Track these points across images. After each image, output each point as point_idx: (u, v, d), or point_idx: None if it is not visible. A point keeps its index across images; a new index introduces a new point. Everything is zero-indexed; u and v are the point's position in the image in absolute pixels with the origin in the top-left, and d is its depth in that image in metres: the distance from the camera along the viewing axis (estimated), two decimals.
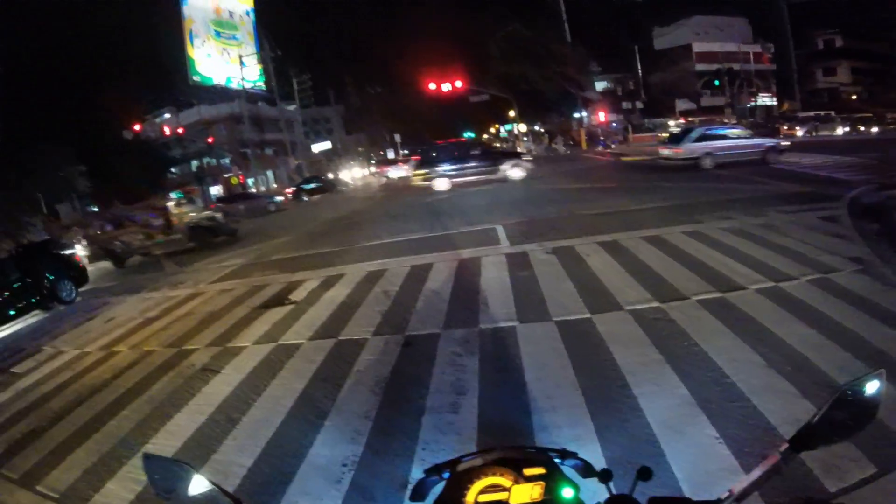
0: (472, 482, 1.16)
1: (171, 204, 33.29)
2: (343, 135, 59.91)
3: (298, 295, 8.42)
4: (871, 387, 1.02)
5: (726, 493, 1.00)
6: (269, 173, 51.11)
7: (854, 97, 48.48)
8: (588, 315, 5.76)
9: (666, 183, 15.74)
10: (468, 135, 54.74)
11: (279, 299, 8.38)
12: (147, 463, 1.08)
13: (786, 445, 1.01)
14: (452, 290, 7.37)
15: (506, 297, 6.73)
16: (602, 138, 42.71)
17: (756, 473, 1.00)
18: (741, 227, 8.73)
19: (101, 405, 5.70)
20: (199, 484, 1.04)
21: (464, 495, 1.14)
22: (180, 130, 42.02)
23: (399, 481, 3.43)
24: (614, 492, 1.09)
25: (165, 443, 4.53)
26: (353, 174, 49.10)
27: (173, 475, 1.06)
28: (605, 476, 1.13)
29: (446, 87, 31.41)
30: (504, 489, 1.13)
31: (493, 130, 58.77)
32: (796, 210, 9.82)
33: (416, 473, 3.43)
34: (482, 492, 1.15)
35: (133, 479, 4.08)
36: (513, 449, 1.29)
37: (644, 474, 1.08)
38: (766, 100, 50.60)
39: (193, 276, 12.61)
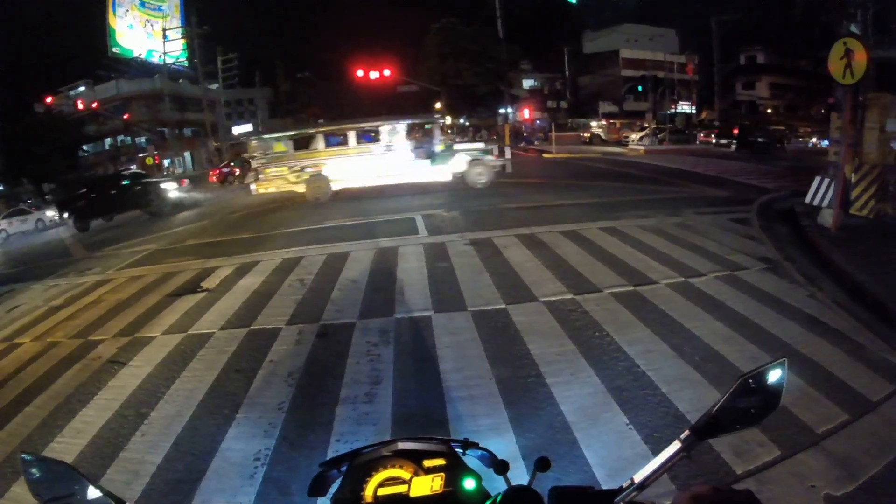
0: (370, 475, 1.14)
1: None
2: (267, 118, 57.89)
3: (211, 283, 8.09)
4: (774, 375, 1.03)
5: (628, 482, 0.99)
6: (188, 155, 48.69)
7: (769, 111, 51.75)
8: (504, 306, 5.84)
9: (589, 181, 16.21)
10: None
11: (191, 287, 8.02)
12: (25, 464, 0.98)
13: (688, 433, 1.00)
14: (369, 280, 7.29)
15: (423, 287, 6.74)
16: (526, 135, 43.56)
17: (658, 461, 0.99)
18: (657, 225, 9.13)
19: (3, 401, 5.28)
20: (82, 488, 0.96)
21: (363, 489, 1.12)
22: (95, 105, 39.02)
23: (315, 474, 3.28)
24: (512, 483, 1.06)
25: (72, 441, 4.24)
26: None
27: (56, 477, 0.97)
28: (501, 467, 1.11)
29: (375, 74, 30.84)
30: (404, 482, 1.11)
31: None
32: (711, 212, 10.37)
33: None
34: (381, 485, 1.12)
35: None
36: (412, 440, 1.26)
37: (542, 465, 1.07)
38: (685, 108, 53.12)
39: (103, 261, 11.85)
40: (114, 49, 45.63)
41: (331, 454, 3.49)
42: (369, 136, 15.84)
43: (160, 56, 44.44)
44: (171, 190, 21.94)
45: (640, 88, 46.11)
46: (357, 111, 46.95)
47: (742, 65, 54.64)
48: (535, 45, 52.04)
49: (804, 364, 4.32)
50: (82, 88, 45.73)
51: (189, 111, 47.37)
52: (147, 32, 47.29)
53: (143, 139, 45.18)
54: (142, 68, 47.09)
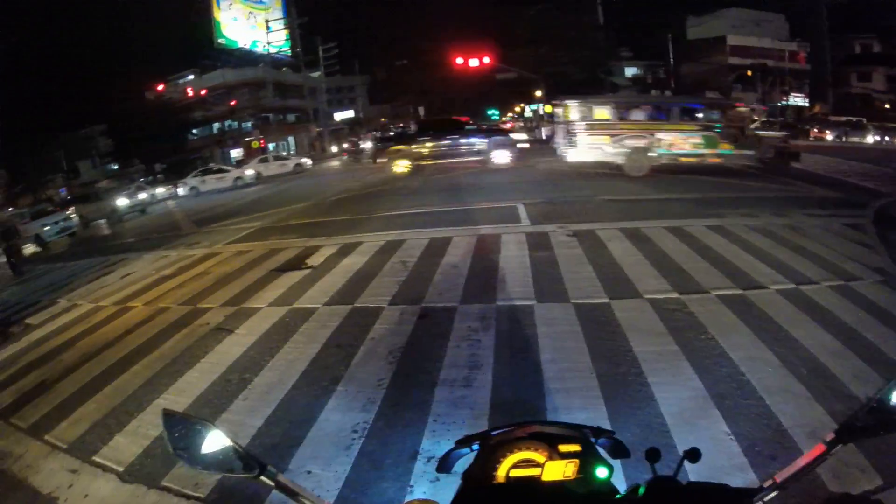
0: (504, 456, 1.14)
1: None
2: (367, 104, 59.53)
3: (315, 260, 8.44)
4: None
5: (769, 482, 0.98)
6: (290, 139, 51.01)
7: (887, 105, 47.12)
8: (606, 300, 5.70)
9: (691, 175, 15.51)
10: (492, 113, 54.34)
11: (295, 264, 8.41)
12: (166, 419, 1.05)
13: (832, 436, 0.97)
14: (471, 265, 7.32)
15: (524, 276, 6.67)
16: None
17: (801, 462, 0.97)
18: (765, 225, 8.58)
19: (113, 360, 5.78)
20: (217, 440, 1.01)
21: (495, 468, 1.12)
22: (203, 92, 41.96)
23: (409, 452, 3.42)
24: (657, 472, 1.07)
25: (175, 400, 4.58)
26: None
27: (192, 432, 1.03)
28: (652, 455, 1.13)
29: (474, 62, 30.81)
30: (537, 464, 1.11)
31: (517, 110, 58.11)
32: (822, 214, 9.64)
33: (427, 445, 3.45)
34: (514, 466, 1.13)
35: (142, 434, 4.14)
36: (548, 424, 1.27)
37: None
38: (797, 100, 49.39)
39: (209, 236, 12.70)
40: (219, 40, 48.21)
41: (427, 434, 3.57)
42: (689, 114, 15.36)
43: (264, 46, 46.70)
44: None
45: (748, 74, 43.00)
46: (454, 98, 47.20)
47: (856, 54, 49.82)
48: (636, 31, 50.07)
49: None
50: (190, 77, 48.84)
51: (291, 98, 49.53)
52: (250, 24, 49.64)
53: (248, 124, 47.67)
54: (246, 58, 49.61)
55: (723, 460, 3.16)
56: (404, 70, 58.64)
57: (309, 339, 5.42)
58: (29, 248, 16.92)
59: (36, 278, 12.75)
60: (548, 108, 31.22)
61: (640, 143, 15.00)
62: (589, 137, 15.28)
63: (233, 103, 43.89)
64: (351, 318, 5.83)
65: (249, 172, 29.63)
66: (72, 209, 21.35)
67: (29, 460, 4.16)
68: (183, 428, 1.04)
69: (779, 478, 0.97)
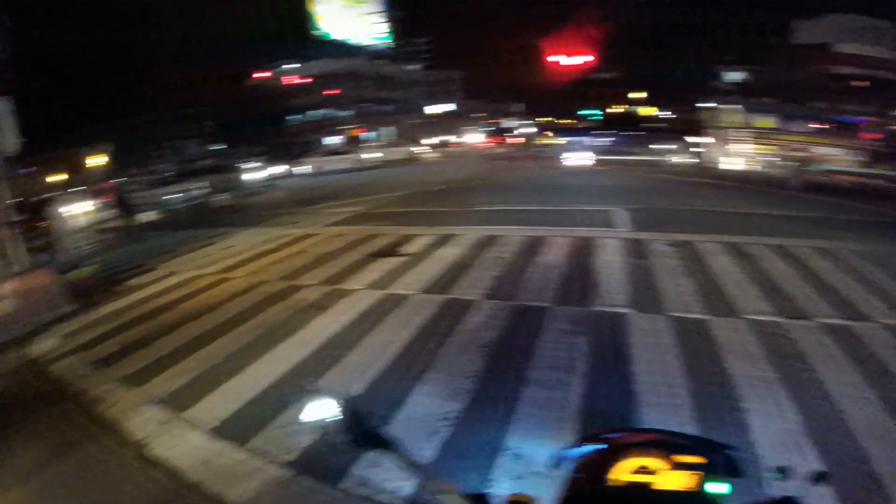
0: (625, 458, 1.17)
1: None
2: (462, 99, 59.79)
3: (410, 249, 8.70)
4: None
5: None
6: (393, 128, 52.24)
7: None
8: (704, 316, 5.58)
9: (796, 192, 14.68)
10: (589, 113, 53.34)
11: (391, 250, 8.69)
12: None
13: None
14: (566, 267, 7.31)
15: (620, 283, 6.62)
16: None
17: None
18: (880, 254, 8.05)
19: (212, 324, 6.19)
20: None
21: (613, 470, 1.16)
22: (309, 80, 43.88)
23: (492, 446, 3.48)
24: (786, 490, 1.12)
25: (269, 369, 4.85)
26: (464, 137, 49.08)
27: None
28: (783, 472, 1.20)
29: (573, 60, 30.23)
30: (652, 471, 1.13)
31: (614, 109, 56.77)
32: None
33: (512, 442, 3.51)
34: (632, 471, 1.15)
35: (235, 396, 4.43)
36: (670, 434, 1.30)
37: (820, 477, 1.16)
38: None
39: (309, 217, 13.23)
40: (314, 32, 50.20)
41: (511, 432, 3.61)
42: (850, 128, 15.50)
43: (359, 38, 48.37)
44: None
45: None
46: (543, 95, 46.70)
47: None
48: (736, 33, 47.34)
49: None
50: (292, 66, 51.00)
51: (388, 89, 50.70)
52: (347, 16, 51.33)
53: (346, 113, 49.19)
54: (345, 49, 51.29)
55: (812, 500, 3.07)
56: (500, 66, 58.48)
57: (402, 324, 5.62)
58: (150, 215, 17.93)
59: (146, 241, 13.55)
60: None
61: (801, 154, 14.25)
62: (743, 145, 14.72)
63: (337, 91, 45.49)
64: (444, 308, 5.99)
65: (371, 156, 30.91)
66: (204, 180, 21.97)
67: (124, 407, 4.52)
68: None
69: None
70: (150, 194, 20.17)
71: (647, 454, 1.17)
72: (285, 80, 44.78)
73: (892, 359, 4.73)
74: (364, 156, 31.03)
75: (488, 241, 8.81)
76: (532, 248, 8.31)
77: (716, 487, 1.09)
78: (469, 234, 9.36)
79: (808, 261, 7.58)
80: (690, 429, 3.62)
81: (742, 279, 6.75)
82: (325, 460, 3.41)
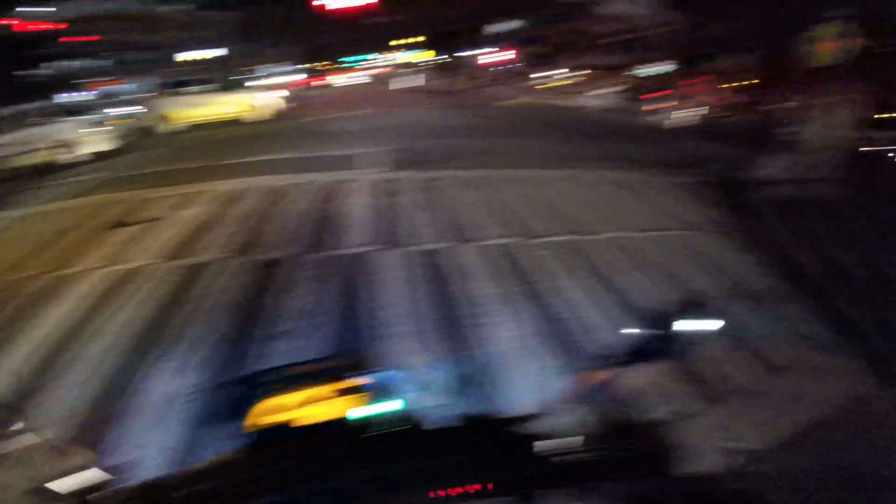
0: (257, 402, 1.11)
1: None
2: (239, 43, 54.87)
3: (153, 213, 7.82)
4: (697, 325, 1.14)
5: (548, 406, 1.08)
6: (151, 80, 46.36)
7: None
8: (447, 244, 5.92)
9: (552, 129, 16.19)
10: (363, 57, 52.66)
11: (130, 218, 7.70)
12: None
13: (612, 365, 1.11)
14: (314, 214, 7.19)
15: (365, 224, 6.70)
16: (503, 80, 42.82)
17: (581, 384, 1.12)
18: (608, 178, 9.15)
19: None
20: None
21: (288, 408, 1.09)
22: (46, 26, 36.69)
23: (243, 409, 3.33)
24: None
25: None
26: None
27: None
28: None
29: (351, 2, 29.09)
30: (289, 409, 1.07)
31: (392, 55, 56.90)
32: (662, 172, 10.42)
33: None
34: (267, 412, 1.08)
35: None
36: (302, 364, 1.25)
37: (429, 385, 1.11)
38: (661, 67, 52.81)
39: (50, 190, 11.07)
40: None
41: None
42: None
43: None
44: None
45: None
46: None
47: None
48: None
49: (730, 325, 4.49)
50: (45, 9, 42.51)
51: (156, 32, 44.66)
52: None
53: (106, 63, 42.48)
54: None
55: (552, 392, 3.39)
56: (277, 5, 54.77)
57: (142, 299, 5.08)
58: None
59: None
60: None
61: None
62: None
63: (95, 38, 38.91)
64: (187, 275, 5.53)
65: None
66: None
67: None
68: None
69: (558, 403, 1.06)
70: None
71: (319, 382, 1.10)
72: (30, 25, 36.59)
73: (611, 266, 5.44)
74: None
75: (240, 195, 8.27)
76: (284, 197, 8.01)
77: (366, 411, 1.04)
78: (219, 190, 8.67)
79: (546, 188, 8.40)
80: (433, 351, 3.89)
81: (481, 208, 7.27)
82: None
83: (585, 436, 0.95)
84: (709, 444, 3.09)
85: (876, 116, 10.27)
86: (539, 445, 0.96)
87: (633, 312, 4.49)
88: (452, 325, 4.25)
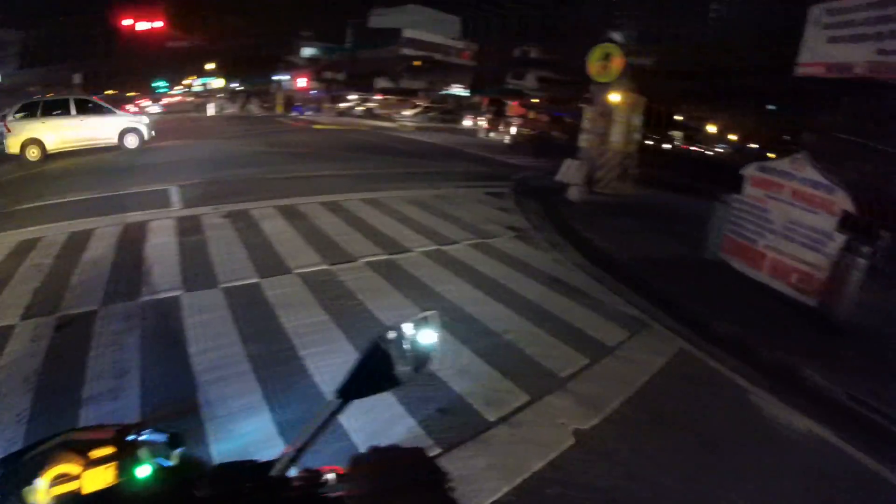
0: (38, 474, 0.99)
1: None
2: (14, 69, 47.14)
3: None
4: (422, 331, 1.17)
5: (286, 448, 1.02)
6: None
7: (535, 100, 56.89)
8: (257, 280, 5.92)
9: (355, 153, 16.77)
10: (160, 84, 49.34)
11: None
12: None
13: (334, 397, 1.06)
14: (114, 260, 6.65)
15: (172, 265, 6.40)
16: (299, 104, 42.71)
17: (311, 427, 1.03)
18: (417, 197, 9.79)
19: None
20: None
21: (32, 492, 0.98)
22: None
23: None
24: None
25: None
26: None
27: None
28: (175, 441, 1.08)
29: (143, 25, 27.01)
30: (75, 478, 0.99)
31: (188, 82, 53.36)
32: (469, 186, 11.44)
33: None
34: (53, 483, 0.98)
35: None
36: (80, 431, 1.14)
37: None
38: (458, 90, 56.38)
39: None
40: None
41: None
42: None
43: None
44: None
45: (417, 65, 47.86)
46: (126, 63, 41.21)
47: (515, 57, 59.11)
48: (319, 13, 50.69)
49: (546, 318, 5.26)
50: None
51: None
52: None
53: None
54: None
55: (384, 413, 3.62)
56: (69, 28, 48.25)
57: None
58: None
59: None
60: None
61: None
62: None
63: None
64: None
65: None
66: None
67: None
68: None
69: (292, 446, 1.01)
70: None
71: (62, 460, 1.00)
72: None
73: (427, 278, 5.99)
74: None
75: (28, 246, 7.26)
76: (77, 245, 7.24)
77: (137, 472, 0.98)
78: (7, 241, 7.54)
79: (356, 211, 8.82)
80: (257, 392, 3.83)
81: (293, 237, 7.42)
82: None
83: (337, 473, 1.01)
84: (545, 432, 3.57)
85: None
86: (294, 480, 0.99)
87: (463, 321, 4.95)
88: (274, 362, 4.23)
